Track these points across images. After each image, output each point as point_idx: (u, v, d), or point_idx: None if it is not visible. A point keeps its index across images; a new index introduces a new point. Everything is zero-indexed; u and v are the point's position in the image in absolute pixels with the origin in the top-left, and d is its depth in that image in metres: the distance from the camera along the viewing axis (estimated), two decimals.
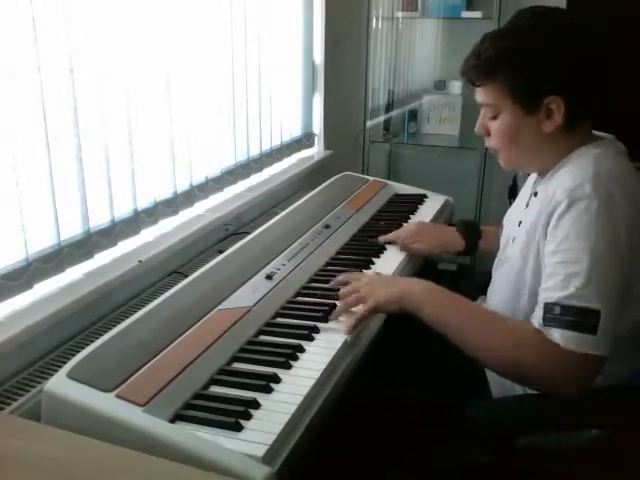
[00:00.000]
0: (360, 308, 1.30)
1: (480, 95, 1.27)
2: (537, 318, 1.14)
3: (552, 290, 1.13)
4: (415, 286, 1.28)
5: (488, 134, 1.30)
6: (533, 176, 1.39)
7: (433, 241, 1.68)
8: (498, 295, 1.39)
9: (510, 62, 1.20)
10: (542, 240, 1.20)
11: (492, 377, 1.39)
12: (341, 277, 1.42)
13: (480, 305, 1.42)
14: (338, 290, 1.39)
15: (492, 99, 1.25)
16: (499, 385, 1.36)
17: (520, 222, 1.33)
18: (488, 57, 1.22)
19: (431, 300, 1.24)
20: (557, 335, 1.10)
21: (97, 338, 1.19)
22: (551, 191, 1.20)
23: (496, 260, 1.46)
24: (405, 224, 1.83)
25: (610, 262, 1.11)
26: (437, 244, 1.68)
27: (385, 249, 1.70)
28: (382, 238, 1.72)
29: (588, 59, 1.20)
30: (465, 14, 2.96)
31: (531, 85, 1.20)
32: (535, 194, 1.30)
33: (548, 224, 1.18)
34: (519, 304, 1.29)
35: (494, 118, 1.27)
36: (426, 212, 2.01)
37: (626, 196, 1.14)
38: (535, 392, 1.28)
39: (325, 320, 1.32)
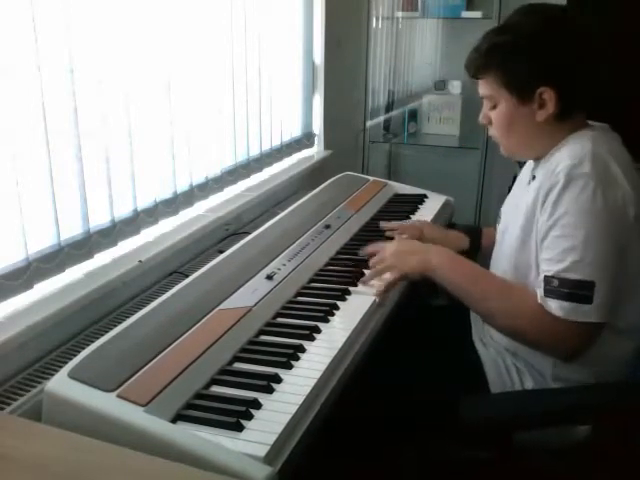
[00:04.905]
0: (388, 276, 1.44)
1: (480, 88, 1.36)
2: (539, 289, 1.22)
3: (550, 263, 1.21)
4: (433, 254, 1.40)
5: (490, 123, 1.38)
6: (530, 163, 1.43)
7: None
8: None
9: (502, 55, 1.29)
10: (540, 215, 1.25)
11: (490, 373, 1.39)
12: (369, 248, 1.55)
13: (491, 272, 1.45)
14: (338, 290, 1.44)
15: (490, 90, 1.33)
16: (497, 380, 1.38)
17: (518, 205, 1.36)
18: (483, 51, 1.31)
19: (444, 266, 1.37)
20: (555, 306, 1.19)
21: (98, 338, 1.20)
22: (550, 170, 1.25)
23: (494, 253, 1.49)
24: (409, 221, 1.85)
25: (605, 236, 1.17)
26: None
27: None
28: (384, 224, 1.78)
29: (576, 52, 1.26)
30: (465, 14, 2.97)
31: (522, 76, 1.28)
32: (534, 177, 1.35)
33: (546, 199, 1.23)
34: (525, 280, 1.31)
35: (494, 108, 1.35)
36: (426, 212, 2.01)
37: (624, 172, 1.20)
38: (533, 388, 1.31)
39: (326, 320, 1.32)
